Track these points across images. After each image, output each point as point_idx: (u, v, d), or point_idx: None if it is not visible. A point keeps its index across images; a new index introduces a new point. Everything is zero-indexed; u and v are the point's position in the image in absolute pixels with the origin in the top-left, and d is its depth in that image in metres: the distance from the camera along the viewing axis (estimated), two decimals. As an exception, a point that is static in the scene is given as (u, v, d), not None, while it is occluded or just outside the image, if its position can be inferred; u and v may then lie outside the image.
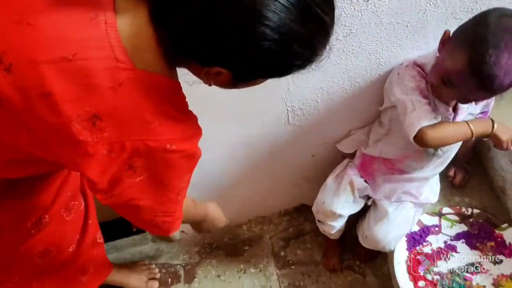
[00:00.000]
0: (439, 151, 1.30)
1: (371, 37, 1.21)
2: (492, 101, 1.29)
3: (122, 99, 0.66)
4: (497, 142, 1.19)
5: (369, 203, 1.44)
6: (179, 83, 0.75)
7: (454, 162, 1.39)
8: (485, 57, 0.97)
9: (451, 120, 1.21)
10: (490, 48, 0.96)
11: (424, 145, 1.15)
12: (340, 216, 1.42)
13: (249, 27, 0.64)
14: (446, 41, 1.10)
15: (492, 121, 1.17)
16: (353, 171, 1.42)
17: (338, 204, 1.40)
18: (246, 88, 0.79)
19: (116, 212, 0.83)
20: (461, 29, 1.08)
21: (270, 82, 0.79)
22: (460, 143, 1.33)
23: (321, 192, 1.45)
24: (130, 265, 1.68)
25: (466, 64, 1.00)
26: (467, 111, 1.24)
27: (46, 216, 1.13)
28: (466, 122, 1.16)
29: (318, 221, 1.50)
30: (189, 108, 0.78)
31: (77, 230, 1.30)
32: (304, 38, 0.68)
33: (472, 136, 1.15)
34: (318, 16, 0.67)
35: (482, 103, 1.26)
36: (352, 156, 1.49)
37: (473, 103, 1.22)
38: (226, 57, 0.68)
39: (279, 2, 0.63)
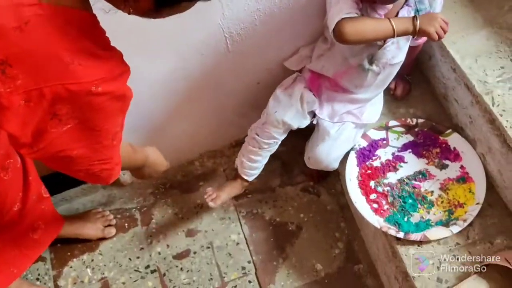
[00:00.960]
0: (374, 67, 1.29)
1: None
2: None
3: (31, 40, 0.59)
4: (427, 36, 1.16)
5: (314, 121, 1.44)
6: (95, 16, 0.67)
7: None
8: None
9: None
10: None
11: (342, 39, 1.11)
12: (288, 127, 1.39)
13: None
14: None
15: (415, 16, 1.14)
16: (302, 84, 1.39)
17: (290, 115, 1.37)
18: (173, 16, 0.72)
19: (48, 166, 0.77)
20: None
21: (203, 8, 0.72)
22: (399, 64, 1.33)
23: (272, 102, 1.40)
24: (83, 215, 1.63)
25: None
26: None
27: None
28: (388, 18, 1.13)
29: (257, 134, 1.42)
30: (112, 44, 0.71)
31: (18, 188, 1.24)
32: None
33: (394, 34, 1.12)
34: None
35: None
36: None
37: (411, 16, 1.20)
38: None
39: None
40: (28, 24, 0.58)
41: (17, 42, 0.58)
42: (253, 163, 1.48)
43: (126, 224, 1.66)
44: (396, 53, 1.28)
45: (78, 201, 1.70)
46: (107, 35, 0.70)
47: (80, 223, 1.59)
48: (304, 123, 1.42)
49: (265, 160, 1.50)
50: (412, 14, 1.20)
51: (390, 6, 1.18)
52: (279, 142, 1.46)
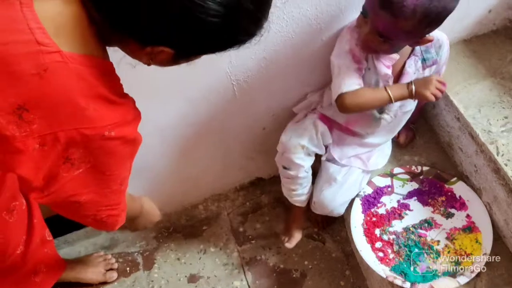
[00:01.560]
0: (385, 115, 1.31)
1: (310, 2, 1.18)
2: (442, 67, 1.30)
3: (49, 86, 0.60)
4: (424, 99, 1.19)
5: (324, 158, 1.43)
6: (111, 64, 0.70)
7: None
8: None
9: (390, 84, 1.22)
10: None
11: (343, 110, 1.20)
12: (307, 150, 1.33)
13: (196, 3, 0.60)
14: None
15: (410, 82, 1.18)
16: (314, 117, 1.38)
17: (306, 138, 1.32)
18: (186, 64, 0.75)
19: (55, 211, 0.77)
20: None
21: (211, 57, 0.76)
22: (410, 112, 1.37)
23: (284, 135, 1.37)
24: (84, 259, 1.61)
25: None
26: (414, 76, 1.25)
27: None
28: (385, 87, 1.18)
29: (283, 167, 1.40)
30: (125, 91, 0.73)
31: (22, 231, 1.23)
32: (250, 12, 0.65)
33: (392, 100, 1.18)
34: None
35: (432, 69, 1.27)
36: None
37: (420, 68, 1.24)
38: (171, 35, 0.64)
39: None
40: (47, 71, 0.60)
41: (35, 88, 0.60)
42: (297, 191, 1.44)
43: (128, 269, 1.64)
44: (406, 102, 1.30)
45: (81, 243, 1.69)
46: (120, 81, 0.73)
47: (81, 267, 1.57)
48: (322, 150, 1.38)
49: (308, 183, 1.43)
50: (419, 64, 1.24)
51: (395, 56, 1.20)
52: (309, 167, 1.39)
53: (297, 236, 1.55)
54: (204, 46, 0.69)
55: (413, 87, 1.16)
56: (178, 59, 0.71)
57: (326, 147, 1.41)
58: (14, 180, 1.17)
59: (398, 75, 1.25)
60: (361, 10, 1.13)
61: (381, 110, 1.31)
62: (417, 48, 1.22)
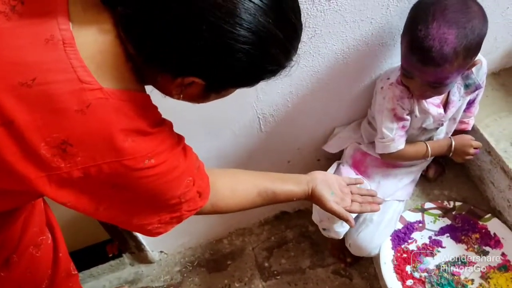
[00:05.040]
0: (434, 140, 1.34)
1: (336, 37, 1.19)
2: (480, 91, 1.28)
3: (91, 121, 0.62)
4: (457, 161, 1.34)
5: None
6: (148, 96, 0.71)
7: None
8: (417, 34, 1.02)
9: (444, 121, 1.27)
10: (419, 24, 1.02)
11: (387, 162, 1.35)
12: None
13: (226, 30, 0.61)
14: (401, 39, 1.14)
15: (450, 143, 1.29)
16: (347, 170, 1.37)
17: None
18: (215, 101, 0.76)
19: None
20: (405, 21, 1.12)
21: (238, 91, 0.76)
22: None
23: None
24: (109, 293, 1.61)
25: (407, 49, 1.07)
26: (458, 103, 1.25)
27: (14, 256, 1.07)
28: (426, 143, 1.30)
29: (323, 229, 1.40)
30: (163, 117, 0.75)
31: (48, 265, 1.23)
32: (280, 41, 0.66)
33: (428, 156, 1.31)
34: (290, 18, 0.66)
35: (474, 94, 1.27)
36: (336, 157, 1.46)
37: (464, 94, 1.24)
38: (201, 64, 0.65)
39: (254, 3, 0.61)
40: (89, 107, 0.62)
41: (78, 124, 0.62)
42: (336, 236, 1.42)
43: (152, 304, 1.62)
44: (451, 126, 1.32)
45: (105, 277, 1.68)
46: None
47: (105, 302, 1.56)
48: None
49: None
50: (462, 91, 1.23)
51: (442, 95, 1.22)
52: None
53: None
54: (233, 76, 0.69)
55: (452, 149, 1.30)
56: (208, 92, 0.72)
57: None
58: (41, 214, 1.18)
59: (444, 104, 1.25)
60: (402, 72, 1.14)
61: (430, 139, 1.33)
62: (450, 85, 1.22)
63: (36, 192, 0.66)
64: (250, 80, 0.71)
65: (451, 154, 1.31)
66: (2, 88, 0.59)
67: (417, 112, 1.22)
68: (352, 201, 1.06)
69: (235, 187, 0.97)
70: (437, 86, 1.09)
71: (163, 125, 0.73)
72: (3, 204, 0.83)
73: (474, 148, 1.30)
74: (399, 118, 1.22)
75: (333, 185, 1.05)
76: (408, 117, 1.23)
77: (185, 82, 0.67)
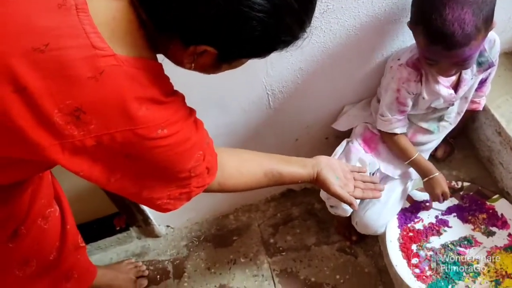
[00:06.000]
0: (444, 122, 1.32)
1: (349, 12, 1.17)
2: (492, 70, 1.27)
3: (104, 89, 0.62)
4: (429, 191, 1.33)
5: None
6: (161, 65, 0.71)
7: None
8: (433, 23, 1.00)
9: (454, 101, 1.25)
10: (432, 13, 1.00)
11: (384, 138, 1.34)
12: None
13: None
14: (411, 27, 1.12)
15: (432, 174, 1.31)
16: (357, 148, 1.36)
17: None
18: (226, 72, 0.76)
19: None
20: (412, 11, 1.11)
21: (248, 66, 0.75)
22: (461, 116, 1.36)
23: None
24: (116, 266, 1.62)
25: (427, 40, 1.05)
26: (471, 82, 1.24)
27: (23, 228, 1.08)
28: (419, 154, 1.31)
29: (331, 206, 1.41)
30: (175, 88, 0.74)
31: (56, 237, 1.25)
32: (295, 11, 0.65)
33: (410, 163, 1.32)
34: None
35: (487, 72, 1.26)
36: (344, 135, 1.46)
37: (476, 73, 1.23)
38: (215, 32, 0.64)
39: None
40: (102, 74, 0.61)
41: (91, 91, 0.61)
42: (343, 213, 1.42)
43: (158, 276, 1.64)
44: (463, 106, 1.31)
45: (113, 250, 1.70)
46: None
47: (113, 274, 1.57)
48: None
49: None
50: (475, 69, 1.22)
51: (453, 77, 1.21)
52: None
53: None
54: (247, 45, 0.68)
55: (430, 178, 1.31)
56: (220, 62, 0.71)
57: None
58: (49, 187, 1.19)
59: (456, 83, 1.24)
60: (425, 61, 1.12)
61: (440, 118, 1.32)
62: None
63: (48, 160, 0.66)
64: (263, 50, 0.71)
65: (424, 179, 1.32)
66: (15, 53, 0.59)
67: (424, 95, 1.22)
68: (354, 187, 1.07)
69: (242, 166, 0.97)
70: (464, 63, 1.09)
71: (176, 95, 0.73)
72: (12, 175, 0.83)
73: (441, 195, 1.31)
74: (400, 103, 1.23)
75: (337, 170, 1.06)
76: (409, 103, 1.24)
77: (198, 50, 0.67)
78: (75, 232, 1.33)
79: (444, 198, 1.31)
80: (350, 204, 1.04)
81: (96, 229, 1.67)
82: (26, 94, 0.59)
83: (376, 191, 1.09)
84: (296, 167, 1.02)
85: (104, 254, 1.70)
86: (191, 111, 0.77)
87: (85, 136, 0.63)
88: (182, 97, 0.75)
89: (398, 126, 1.28)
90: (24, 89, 0.59)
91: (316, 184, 1.06)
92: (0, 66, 0.58)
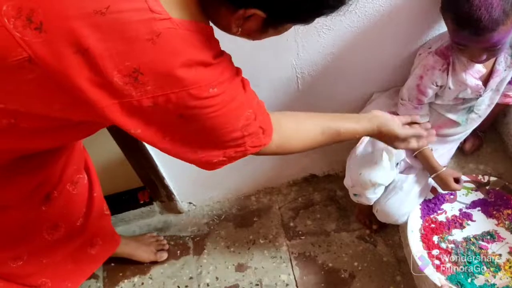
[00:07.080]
0: (473, 115, 1.30)
1: (385, -3, 1.16)
2: None
3: (161, 51, 0.64)
4: (440, 183, 1.33)
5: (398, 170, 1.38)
6: (212, 28, 0.74)
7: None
8: (460, 9, 1.01)
9: (482, 93, 1.23)
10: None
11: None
12: (379, 185, 1.32)
13: None
14: (442, 13, 1.12)
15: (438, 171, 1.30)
16: None
17: (377, 173, 1.29)
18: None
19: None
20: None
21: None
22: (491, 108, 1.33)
23: (353, 163, 1.34)
24: (138, 237, 1.67)
25: (455, 26, 1.05)
26: (504, 73, 1.23)
27: (55, 192, 1.12)
28: (426, 149, 1.30)
29: (354, 194, 1.40)
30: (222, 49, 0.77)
31: (83, 204, 1.29)
32: None
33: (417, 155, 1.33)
34: None
35: None
36: None
37: (510, 65, 1.21)
38: None
39: None
40: (159, 36, 0.64)
41: (149, 53, 0.64)
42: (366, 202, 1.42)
43: (178, 252, 1.67)
44: (494, 98, 1.29)
45: (136, 223, 1.74)
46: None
47: (135, 245, 1.61)
48: (394, 175, 1.34)
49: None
50: (509, 60, 1.21)
51: (482, 69, 1.19)
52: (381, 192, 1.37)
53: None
54: (295, 9, 0.69)
55: (436, 174, 1.31)
56: (267, 27, 0.73)
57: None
58: (80, 154, 1.22)
59: (488, 74, 1.22)
60: (455, 46, 1.12)
61: (470, 109, 1.30)
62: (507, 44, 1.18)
63: (106, 120, 0.68)
64: (310, 14, 0.72)
65: (432, 176, 1.33)
66: (78, 15, 0.61)
67: (450, 85, 1.20)
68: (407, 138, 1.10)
69: (299, 126, 0.97)
70: (495, 48, 1.07)
71: (224, 56, 0.75)
72: (58, 139, 0.86)
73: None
74: (420, 91, 1.23)
75: (395, 119, 1.09)
76: (429, 94, 1.23)
77: (246, 14, 0.68)
78: (101, 200, 1.37)
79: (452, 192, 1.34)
80: (420, 137, 1.10)
81: (121, 202, 1.71)
82: (87, 55, 0.62)
83: (430, 136, 1.13)
84: (352, 123, 1.03)
85: (128, 226, 1.74)
86: (238, 71, 0.79)
87: (142, 97, 0.66)
88: (229, 57, 0.77)
89: (412, 114, 1.24)
90: (86, 50, 0.62)
91: (377, 137, 1.09)
92: (63, 28, 0.61)
